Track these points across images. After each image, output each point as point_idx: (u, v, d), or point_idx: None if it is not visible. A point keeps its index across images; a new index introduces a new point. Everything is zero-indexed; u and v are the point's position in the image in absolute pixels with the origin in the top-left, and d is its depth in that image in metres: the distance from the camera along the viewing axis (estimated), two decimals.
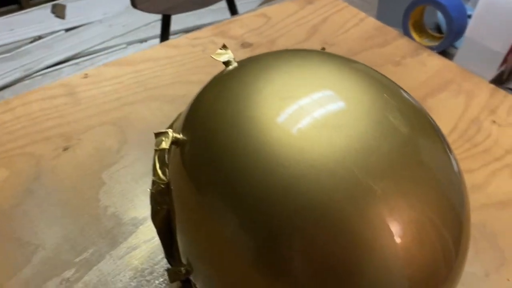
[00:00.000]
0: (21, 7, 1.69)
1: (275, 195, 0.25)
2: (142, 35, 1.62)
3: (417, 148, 0.26)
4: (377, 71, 0.30)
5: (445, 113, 0.57)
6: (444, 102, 0.59)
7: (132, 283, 0.38)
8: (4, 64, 1.46)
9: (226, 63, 0.32)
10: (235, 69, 0.31)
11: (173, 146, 0.31)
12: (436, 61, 0.66)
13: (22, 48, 1.53)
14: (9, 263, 0.39)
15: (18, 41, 1.56)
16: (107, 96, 0.56)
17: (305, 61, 0.29)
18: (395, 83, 0.30)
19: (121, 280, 0.38)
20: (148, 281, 0.38)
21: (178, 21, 1.61)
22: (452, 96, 0.60)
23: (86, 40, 1.58)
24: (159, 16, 1.76)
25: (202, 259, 0.30)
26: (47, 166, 0.47)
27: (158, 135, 0.29)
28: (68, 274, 0.38)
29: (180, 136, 0.29)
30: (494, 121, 0.57)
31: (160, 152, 0.32)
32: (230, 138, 0.27)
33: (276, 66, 0.29)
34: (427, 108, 0.49)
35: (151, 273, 0.39)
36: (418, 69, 0.65)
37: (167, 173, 0.31)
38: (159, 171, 0.31)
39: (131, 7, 1.73)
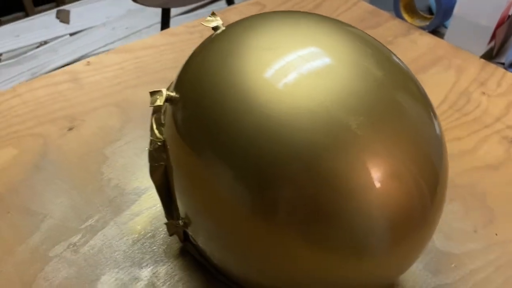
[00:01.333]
0: (27, 14, 1.73)
1: (263, 144, 0.26)
2: (145, 37, 1.65)
3: (397, 99, 0.28)
4: (367, 34, 0.32)
5: (436, 86, 0.59)
6: (434, 76, 0.61)
7: (135, 246, 0.40)
8: (12, 68, 1.50)
9: (215, 28, 0.34)
10: (223, 31, 0.33)
11: (167, 105, 0.33)
12: (427, 40, 0.68)
13: (29, 53, 1.57)
14: (19, 230, 0.41)
15: (25, 46, 1.60)
16: (109, 80, 0.58)
17: (290, 19, 0.31)
18: (385, 46, 0.32)
19: (125, 243, 0.40)
20: (151, 243, 0.40)
21: (176, 22, 1.64)
22: (443, 70, 0.62)
23: (90, 43, 1.61)
24: (160, 18, 1.79)
25: (200, 212, 0.32)
26: (53, 144, 0.49)
27: (152, 93, 0.32)
28: (75, 239, 0.41)
29: (173, 93, 0.31)
30: (483, 93, 0.58)
31: (156, 114, 0.34)
32: (217, 91, 0.28)
33: (262, 24, 0.31)
34: None
35: (153, 236, 0.41)
36: (410, 47, 0.66)
37: (164, 132, 0.33)
38: (156, 131, 0.34)
39: (132, 10, 1.77)
